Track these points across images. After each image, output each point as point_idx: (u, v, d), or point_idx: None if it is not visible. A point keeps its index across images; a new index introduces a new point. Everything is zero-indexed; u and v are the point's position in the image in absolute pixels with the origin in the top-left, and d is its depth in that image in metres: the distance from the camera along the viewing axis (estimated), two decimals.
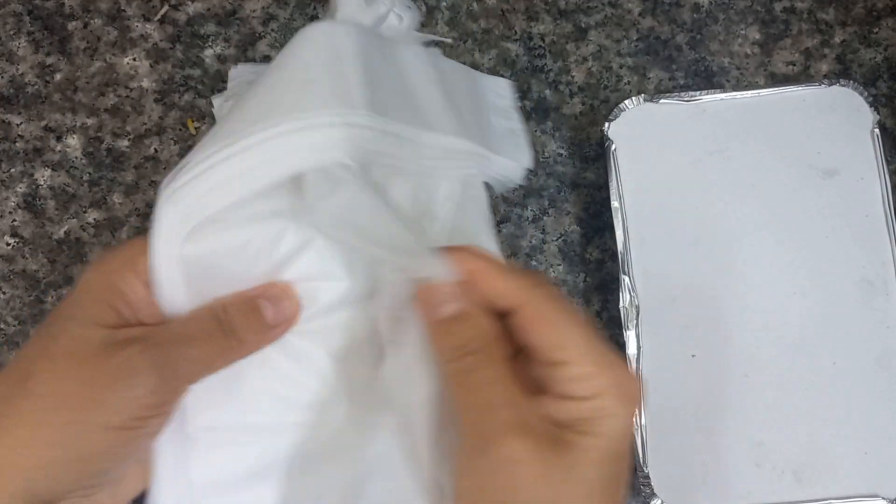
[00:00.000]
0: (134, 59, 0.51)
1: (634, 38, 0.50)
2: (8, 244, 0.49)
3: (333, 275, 0.32)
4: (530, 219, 0.49)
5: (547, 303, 0.27)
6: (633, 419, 0.27)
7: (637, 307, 0.44)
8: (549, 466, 0.25)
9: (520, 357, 0.29)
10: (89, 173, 0.50)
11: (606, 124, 0.47)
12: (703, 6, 0.51)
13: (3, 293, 0.49)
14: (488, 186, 0.40)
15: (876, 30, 0.50)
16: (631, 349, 0.44)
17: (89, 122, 0.50)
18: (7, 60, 0.51)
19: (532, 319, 0.27)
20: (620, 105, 0.47)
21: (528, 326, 0.27)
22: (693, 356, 0.44)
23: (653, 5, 0.51)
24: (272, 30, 0.51)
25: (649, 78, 0.50)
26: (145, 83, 0.51)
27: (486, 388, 0.26)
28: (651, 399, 0.43)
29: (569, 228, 0.49)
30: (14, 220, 0.49)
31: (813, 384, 0.43)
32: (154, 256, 0.31)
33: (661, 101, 0.47)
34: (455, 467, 0.27)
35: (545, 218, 0.49)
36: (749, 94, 0.47)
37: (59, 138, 0.50)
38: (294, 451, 0.32)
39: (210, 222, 0.31)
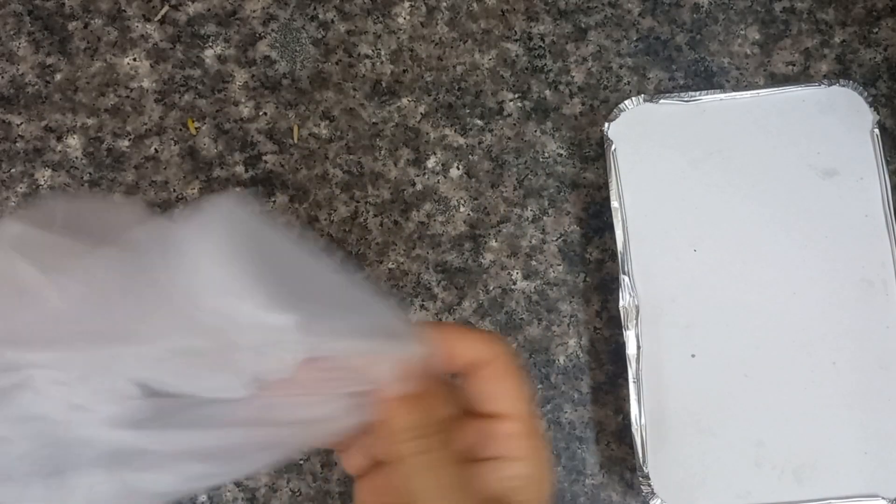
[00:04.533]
0: (134, 60, 0.51)
1: (634, 39, 0.51)
2: None
3: None
4: (530, 219, 0.49)
5: (510, 359, 0.29)
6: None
7: (637, 307, 0.44)
8: None
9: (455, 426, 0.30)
10: (89, 173, 0.50)
11: (606, 124, 0.47)
12: (703, 6, 0.51)
13: None
14: None
15: (876, 30, 0.50)
16: (631, 349, 0.44)
17: (89, 122, 0.50)
18: (7, 60, 0.51)
19: (497, 373, 0.29)
20: (620, 105, 0.47)
21: (492, 379, 0.29)
22: (693, 356, 0.44)
23: (653, 5, 0.51)
24: (272, 30, 0.51)
25: (649, 78, 0.50)
26: (146, 83, 0.51)
27: (434, 473, 0.27)
28: (651, 399, 0.43)
29: (569, 228, 0.49)
30: None
31: (813, 384, 0.43)
32: None
33: (661, 101, 0.47)
34: None
35: (545, 218, 0.49)
36: (749, 94, 0.47)
37: (59, 138, 0.50)
38: None
39: None
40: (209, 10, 0.51)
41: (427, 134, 0.50)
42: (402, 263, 0.49)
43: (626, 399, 0.44)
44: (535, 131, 0.50)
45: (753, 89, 0.47)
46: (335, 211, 0.49)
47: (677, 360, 0.44)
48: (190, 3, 0.52)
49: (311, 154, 0.50)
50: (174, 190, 0.49)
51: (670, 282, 0.45)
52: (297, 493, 0.47)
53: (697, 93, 0.47)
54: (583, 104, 0.50)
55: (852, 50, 0.50)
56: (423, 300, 0.48)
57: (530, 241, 0.49)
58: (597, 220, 0.49)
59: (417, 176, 0.49)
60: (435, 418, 0.28)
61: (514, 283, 0.48)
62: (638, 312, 0.44)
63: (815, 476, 0.42)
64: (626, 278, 0.45)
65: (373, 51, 0.51)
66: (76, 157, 0.50)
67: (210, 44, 0.51)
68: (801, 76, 0.50)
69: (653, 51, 0.50)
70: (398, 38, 0.51)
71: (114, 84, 0.51)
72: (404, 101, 0.50)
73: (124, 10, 0.51)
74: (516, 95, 0.50)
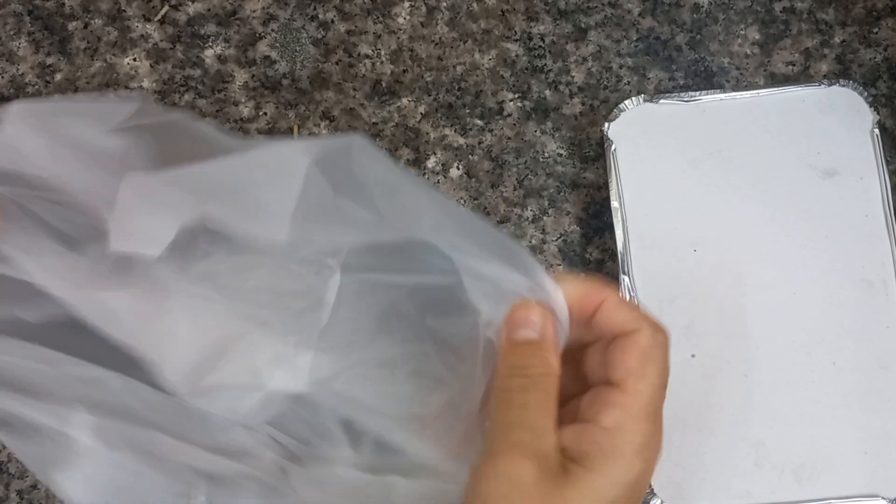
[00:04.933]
0: (134, 60, 0.51)
1: (634, 39, 0.51)
2: None
3: None
4: (530, 219, 0.49)
5: (658, 337, 0.29)
6: (646, 480, 0.28)
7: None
8: (544, 494, 0.26)
9: (572, 402, 0.30)
10: None
11: (606, 124, 0.47)
12: (703, 6, 0.51)
13: None
14: None
15: (876, 30, 0.50)
16: None
17: None
18: (7, 60, 0.51)
19: (635, 346, 0.29)
20: (620, 105, 0.47)
21: (626, 350, 0.28)
22: (693, 356, 0.44)
23: (653, 5, 0.51)
24: (272, 30, 0.51)
25: (649, 78, 0.50)
26: (146, 83, 0.51)
27: (518, 410, 0.28)
28: None
29: (569, 228, 0.49)
30: None
31: (813, 384, 0.43)
32: None
33: (661, 101, 0.47)
34: (471, 470, 0.28)
35: (545, 218, 0.49)
36: (749, 94, 0.47)
37: None
38: None
39: None
40: (209, 10, 0.51)
41: (427, 134, 0.50)
42: None
43: None
44: (535, 131, 0.50)
45: (753, 89, 0.47)
46: None
47: (677, 360, 0.43)
48: (190, 3, 0.52)
49: None
50: None
51: (670, 282, 0.45)
52: None
53: (697, 93, 0.47)
54: (583, 104, 0.50)
55: (852, 50, 0.50)
56: None
57: (530, 241, 0.49)
58: (597, 220, 0.49)
59: (417, 176, 0.49)
60: (544, 367, 0.28)
61: None
62: None
63: (815, 476, 0.42)
64: (626, 278, 0.45)
65: (373, 51, 0.51)
66: None
67: (210, 44, 0.51)
68: (801, 76, 0.50)
69: (653, 51, 0.50)
70: (398, 38, 0.51)
71: (114, 84, 0.51)
72: (404, 101, 0.50)
73: (124, 10, 0.52)
74: (516, 95, 0.50)
